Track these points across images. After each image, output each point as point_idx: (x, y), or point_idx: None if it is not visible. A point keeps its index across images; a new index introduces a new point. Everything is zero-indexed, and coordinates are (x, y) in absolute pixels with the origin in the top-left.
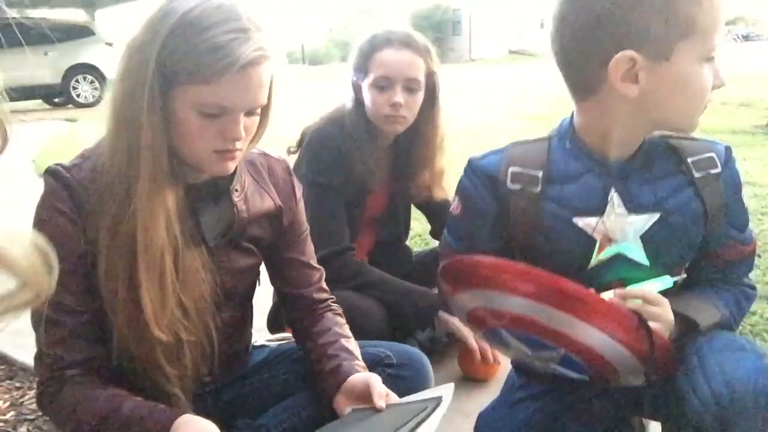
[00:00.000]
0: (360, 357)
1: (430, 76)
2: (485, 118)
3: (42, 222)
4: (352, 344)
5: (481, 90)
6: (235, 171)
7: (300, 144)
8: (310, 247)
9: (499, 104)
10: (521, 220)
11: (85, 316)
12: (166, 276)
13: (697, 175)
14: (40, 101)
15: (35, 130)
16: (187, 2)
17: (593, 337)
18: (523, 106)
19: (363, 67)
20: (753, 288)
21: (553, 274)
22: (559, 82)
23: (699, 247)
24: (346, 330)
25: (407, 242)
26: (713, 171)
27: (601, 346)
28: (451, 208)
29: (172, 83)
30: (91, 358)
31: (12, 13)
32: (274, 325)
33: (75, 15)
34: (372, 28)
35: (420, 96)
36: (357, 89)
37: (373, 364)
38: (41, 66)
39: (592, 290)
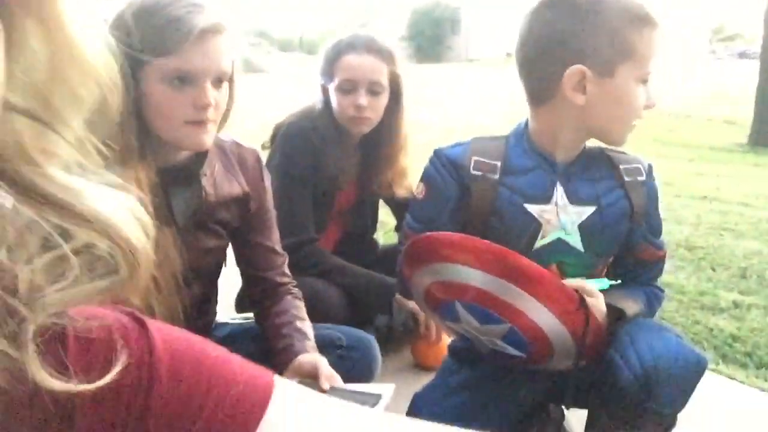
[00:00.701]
0: (312, 338)
1: (394, 78)
2: (479, 120)
3: None
4: (306, 326)
5: (476, 92)
6: (205, 156)
7: (273, 139)
8: (275, 233)
9: (493, 107)
10: (480, 203)
11: None
12: None
13: (626, 179)
14: None
15: None
16: None
17: (539, 312)
18: (516, 110)
19: (329, 71)
20: (662, 290)
21: (511, 251)
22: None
23: (623, 242)
24: (302, 313)
25: (377, 236)
26: (639, 178)
27: (545, 322)
28: (415, 192)
29: (141, 63)
30: None
31: None
32: (240, 306)
33: None
34: (368, 23)
35: (384, 98)
36: (324, 92)
37: (325, 344)
38: None
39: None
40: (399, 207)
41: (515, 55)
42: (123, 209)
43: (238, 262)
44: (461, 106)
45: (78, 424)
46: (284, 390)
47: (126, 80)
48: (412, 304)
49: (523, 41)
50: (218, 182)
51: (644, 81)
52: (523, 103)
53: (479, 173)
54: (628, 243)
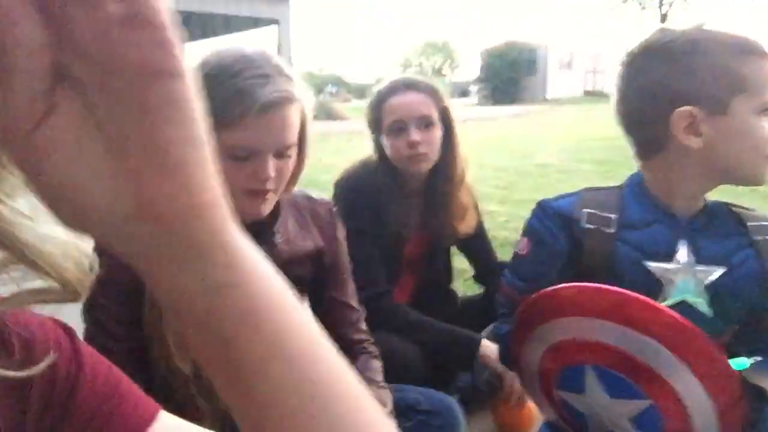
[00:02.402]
0: (389, 404)
1: (444, 112)
2: (552, 160)
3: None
4: (382, 392)
5: (552, 131)
6: (278, 214)
7: (335, 197)
8: (351, 287)
9: (568, 146)
10: (594, 259)
11: (132, 344)
12: None
13: (756, 237)
14: None
15: None
16: (219, 54)
17: (690, 386)
18: (592, 150)
19: (376, 121)
20: None
21: (661, 305)
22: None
23: (752, 308)
24: (378, 375)
25: (455, 285)
26: None
27: (694, 400)
28: (518, 248)
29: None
30: (136, 382)
31: None
32: None
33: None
34: (441, 61)
35: (437, 131)
36: (377, 145)
37: (405, 409)
38: None
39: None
40: (472, 251)
41: (616, 112)
42: (63, 244)
43: (314, 319)
44: (533, 146)
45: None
46: (168, 418)
47: None
48: (496, 361)
49: (622, 95)
50: (292, 238)
51: (765, 111)
52: (595, 140)
53: (593, 227)
54: (759, 310)
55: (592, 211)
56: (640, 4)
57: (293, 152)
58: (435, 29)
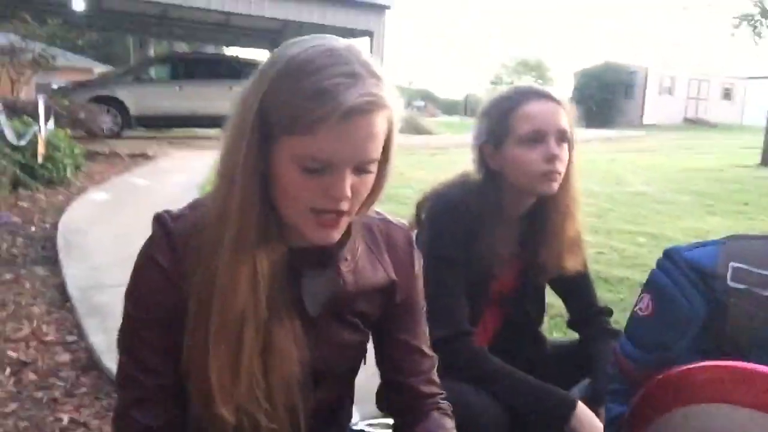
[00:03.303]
0: None
1: (571, 132)
2: (648, 188)
3: (138, 270)
4: None
5: (648, 158)
6: (348, 237)
7: (418, 213)
8: (424, 330)
9: (665, 175)
10: (742, 329)
11: (167, 379)
12: (244, 350)
13: None
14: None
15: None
16: (297, 47)
17: None
18: (692, 180)
19: (502, 128)
20: None
21: None
22: (733, 157)
23: None
24: None
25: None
26: None
27: None
28: (638, 308)
29: (274, 135)
30: (166, 426)
31: (209, 50)
32: (382, 402)
33: (262, 54)
34: (533, 81)
35: (569, 150)
36: (489, 157)
37: None
38: (224, 98)
39: None
40: (570, 290)
41: None
42: None
43: (378, 362)
44: (627, 173)
45: None
46: None
47: (252, 155)
48: (595, 425)
49: None
50: (360, 268)
51: None
52: (695, 170)
53: (742, 287)
54: None
55: (743, 266)
56: (755, 30)
57: (374, 168)
58: (529, 47)
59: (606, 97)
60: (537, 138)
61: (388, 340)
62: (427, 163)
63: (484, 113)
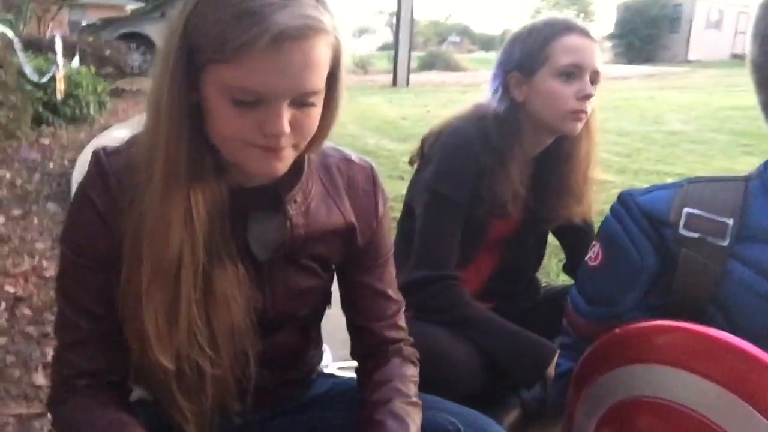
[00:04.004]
0: (414, 427)
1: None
2: (685, 127)
3: (72, 209)
4: (409, 409)
5: (689, 96)
6: (298, 177)
7: (421, 153)
8: (390, 274)
9: (705, 113)
10: (692, 281)
11: (106, 322)
12: (181, 296)
13: None
14: None
15: None
16: None
17: None
18: (733, 119)
19: (536, 58)
20: None
21: None
22: None
23: None
24: (409, 386)
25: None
26: None
27: None
28: (588, 257)
29: (201, 63)
30: (106, 369)
31: None
32: None
33: None
34: (574, 15)
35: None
36: (515, 87)
37: None
38: None
39: None
40: (572, 238)
41: (748, 63)
42: None
43: (342, 306)
44: (666, 110)
45: None
46: None
47: (178, 87)
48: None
49: (759, 44)
50: (313, 210)
51: None
52: (737, 108)
53: (695, 235)
54: None
55: (697, 212)
56: None
57: (319, 100)
58: None
59: (650, 32)
60: (574, 73)
61: (351, 284)
62: (458, 101)
63: (518, 39)
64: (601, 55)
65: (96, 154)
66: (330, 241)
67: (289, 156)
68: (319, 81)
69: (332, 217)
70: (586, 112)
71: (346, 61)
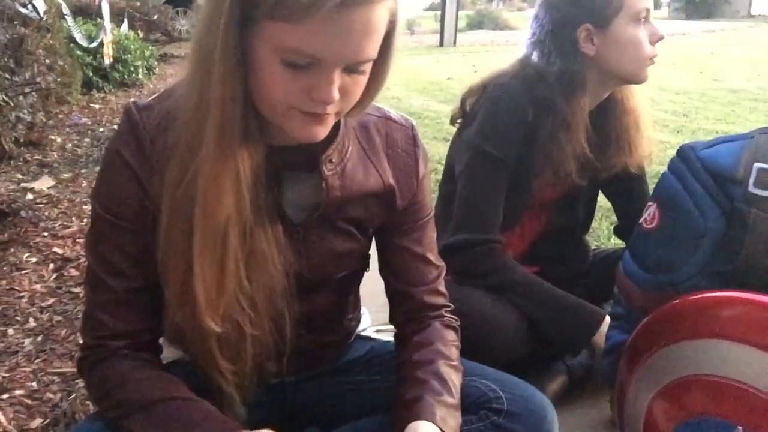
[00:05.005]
0: (455, 391)
1: None
2: (748, 85)
3: (103, 167)
4: (451, 371)
5: (752, 52)
6: (334, 137)
7: (462, 111)
8: (430, 238)
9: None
10: (763, 246)
11: (138, 282)
12: (229, 257)
13: None
14: None
15: None
16: None
17: None
18: None
19: (610, 5)
20: None
21: None
22: None
23: None
24: (451, 350)
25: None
26: None
27: None
28: (643, 219)
29: (255, 17)
30: (139, 330)
31: None
32: None
33: None
34: None
35: None
36: (586, 40)
37: (476, 404)
38: None
39: None
40: (623, 196)
41: None
42: None
43: (381, 270)
44: (723, 69)
45: None
46: None
47: (231, 39)
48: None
49: None
50: (348, 172)
51: None
52: None
53: (765, 193)
54: None
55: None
56: None
57: (369, 68)
58: None
59: None
60: (645, 18)
61: (389, 247)
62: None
63: None
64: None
65: (128, 110)
66: (367, 203)
67: (331, 121)
68: (375, 49)
69: (370, 178)
70: (654, 60)
71: (400, 28)
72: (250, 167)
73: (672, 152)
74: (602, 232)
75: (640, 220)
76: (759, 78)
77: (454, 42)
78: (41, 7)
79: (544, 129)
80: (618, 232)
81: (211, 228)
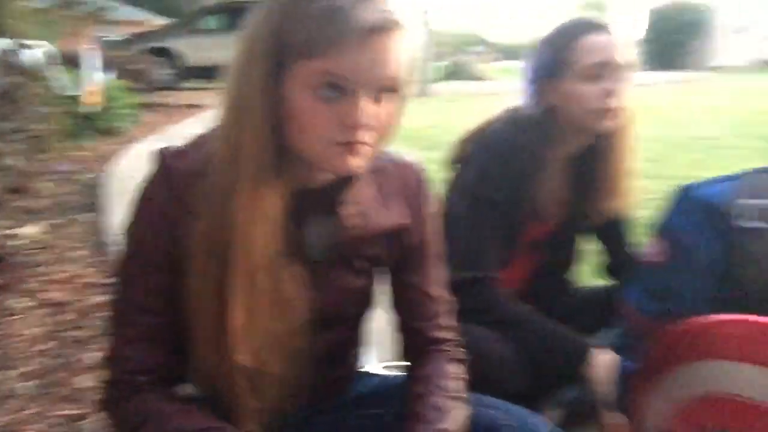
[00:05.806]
0: (457, 422)
1: (626, 70)
2: (714, 133)
3: (135, 209)
4: (448, 402)
5: (716, 101)
6: (353, 180)
7: (458, 157)
8: (438, 275)
9: (734, 119)
10: (756, 273)
11: (162, 319)
12: (260, 296)
13: None
14: None
15: None
16: None
17: None
18: (763, 125)
19: (560, 59)
20: None
21: None
22: None
23: None
24: (453, 383)
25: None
26: None
27: None
28: (648, 254)
29: (286, 62)
30: (163, 365)
31: None
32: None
33: None
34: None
35: (626, 87)
36: (546, 91)
37: (485, 429)
38: None
39: None
40: (610, 235)
41: None
42: None
43: (390, 305)
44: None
45: None
46: None
47: (266, 83)
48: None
49: None
50: (367, 211)
51: None
52: (765, 114)
53: (757, 225)
54: None
55: (759, 203)
56: None
57: (394, 98)
58: None
59: (677, 39)
60: (597, 74)
61: (398, 283)
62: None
63: (545, 43)
64: (626, 49)
65: (160, 156)
66: (383, 242)
67: (364, 153)
68: (397, 75)
69: (386, 218)
70: (614, 109)
71: (418, 61)
72: (280, 211)
73: (643, 196)
74: (581, 273)
75: (643, 255)
76: (721, 126)
77: (430, 92)
78: (39, 56)
79: (528, 172)
80: (609, 271)
81: (245, 270)
